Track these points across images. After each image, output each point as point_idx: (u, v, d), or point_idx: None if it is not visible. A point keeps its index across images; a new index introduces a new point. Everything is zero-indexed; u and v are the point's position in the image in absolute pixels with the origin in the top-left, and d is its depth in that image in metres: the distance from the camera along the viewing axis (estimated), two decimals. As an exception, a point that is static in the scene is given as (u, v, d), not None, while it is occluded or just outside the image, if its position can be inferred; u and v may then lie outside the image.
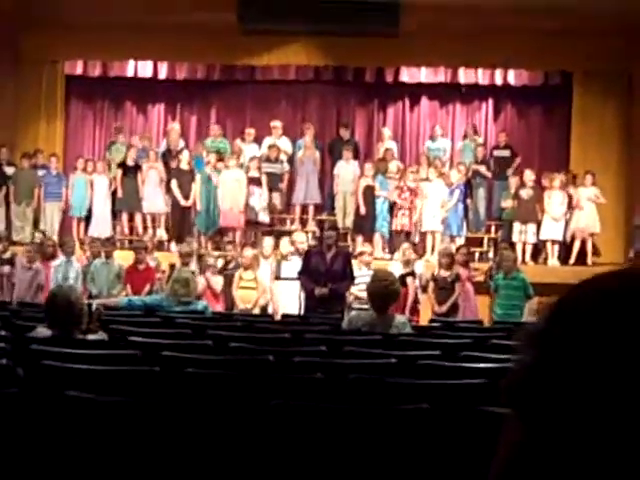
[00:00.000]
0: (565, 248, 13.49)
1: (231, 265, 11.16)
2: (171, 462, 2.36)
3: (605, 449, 0.63)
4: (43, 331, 5.06)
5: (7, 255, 11.78)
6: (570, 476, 0.65)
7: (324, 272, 8.79)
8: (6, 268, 11.57)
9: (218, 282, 10.93)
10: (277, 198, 14.32)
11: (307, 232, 13.12)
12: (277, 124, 14.97)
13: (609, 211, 13.60)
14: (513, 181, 13.82)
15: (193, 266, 11.09)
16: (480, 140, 15.10)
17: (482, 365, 4.58)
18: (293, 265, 10.65)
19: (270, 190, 14.00)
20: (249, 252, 10.95)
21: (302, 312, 9.41)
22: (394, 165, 14.08)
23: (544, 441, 0.66)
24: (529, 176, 13.59)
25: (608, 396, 0.63)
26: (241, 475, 2.38)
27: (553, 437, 0.66)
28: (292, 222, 14.58)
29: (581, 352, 0.66)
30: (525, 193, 13.45)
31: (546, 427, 0.67)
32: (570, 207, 13.44)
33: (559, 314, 0.71)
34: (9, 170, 14.21)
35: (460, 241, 13.31)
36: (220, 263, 11.33)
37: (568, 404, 0.65)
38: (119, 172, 14.06)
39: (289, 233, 12.55)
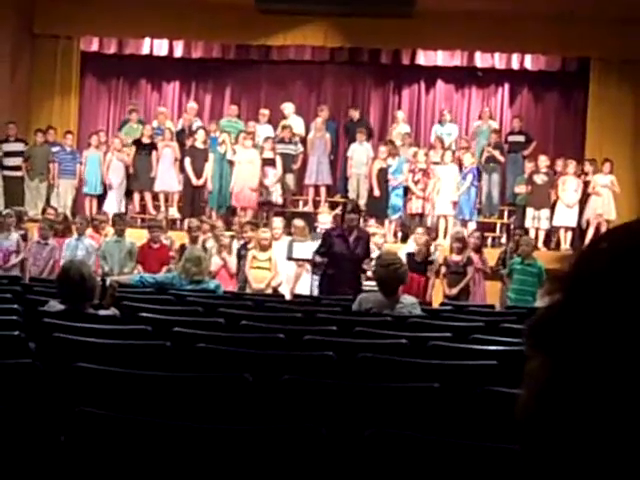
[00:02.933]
0: (580, 234, 13.38)
1: (250, 245, 11.11)
2: (179, 432, 2.36)
3: (634, 384, 0.65)
4: (55, 305, 5.08)
5: (21, 232, 11.79)
6: (598, 408, 0.66)
7: (347, 255, 8.58)
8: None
9: (233, 262, 10.94)
10: (290, 179, 14.30)
11: (330, 213, 13.03)
12: (287, 105, 14.94)
13: (623, 198, 13.51)
14: (528, 166, 13.75)
15: (210, 242, 11.09)
16: (495, 125, 15.01)
17: (493, 348, 4.57)
18: (306, 246, 10.63)
19: (284, 171, 13.98)
20: (266, 233, 10.91)
21: (315, 293, 9.33)
22: (411, 150, 13.98)
23: (572, 375, 0.68)
24: (543, 161, 13.51)
25: (636, 334, 0.65)
26: (249, 450, 2.38)
27: (581, 371, 0.68)
28: (305, 203, 14.57)
29: (609, 293, 0.67)
30: (539, 178, 13.37)
31: (575, 362, 0.68)
32: (585, 194, 13.35)
33: (588, 258, 0.72)
34: (8, 147, 14.15)
35: (472, 225, 13.26)
36: (236, 244, 11.27)
37: (597, 341, 0.67)
38: (132, 149, 14.06)
39: (310, 215, 12.51)
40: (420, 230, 11.32)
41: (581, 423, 0.67)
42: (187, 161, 13.76)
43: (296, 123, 14.82)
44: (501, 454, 2.17)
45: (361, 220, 13.59)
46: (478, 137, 14.82)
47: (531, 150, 14.31)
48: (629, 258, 0.69)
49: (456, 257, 10.68)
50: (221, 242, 10.97)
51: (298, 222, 11.40)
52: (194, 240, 10.98)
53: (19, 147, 14.17)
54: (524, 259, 10.32)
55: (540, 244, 13.34)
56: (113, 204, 13.78)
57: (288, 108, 14.94)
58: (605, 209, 13.18)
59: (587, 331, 0.68)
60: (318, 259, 8.93)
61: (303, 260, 10.73)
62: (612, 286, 0.68)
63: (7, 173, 14.10)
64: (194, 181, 13.70)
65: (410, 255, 10.41)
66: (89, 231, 11.68)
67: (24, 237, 11.67)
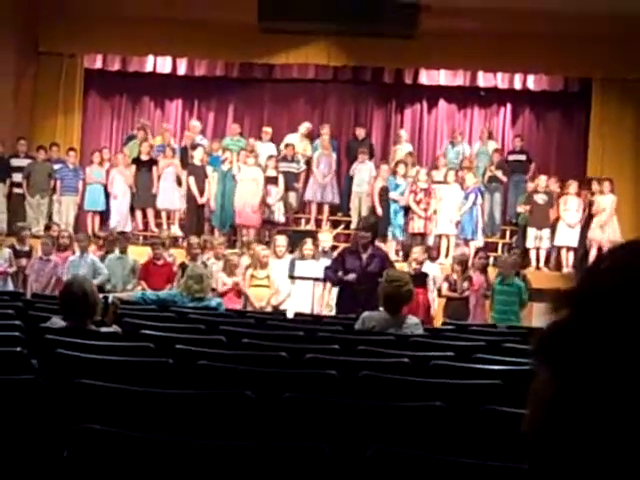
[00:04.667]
0: (584, 254, 13.28)
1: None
2: (182, 449, 2.35)
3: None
4: (57, 322, 5.08)
5: (26, 248, 11.83)
6: (605, 422, 0.67)
7: (359, 273, 8.45)
8: (24, 261, 11.60)
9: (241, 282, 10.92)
10: (293, 197, 14.32)
11: (331, 232, 13.02)
12: (306, 126, 15.01)
13: (626, 218, 13.52)
14: (529, 186, 13.77)
15: (212, 260, 11.07)
16: (495, 145, 15.02)
17: (495, 367, 4.56)
18: (308, 265, 10.63)
19: (286, 189, 14.00)
20: (266, 251, 10.91)
21: (335, 313, 9.16)
22: (413, 170, 13.98)
23: (580, 390, 0.69)
24: (543, 181, 13.53)
25: None
26: (251, 467, 2.38)
27: (589, 385, 0.68)
28: (307, 222, 14.58)
29: (617, 309, 0.68)
30: (540, 198, 13.38)
31: (580, 379, 0.69)
32: (590, 214, 13.32)
33: (596, 274, 0.73)
34: (17, 162, 14.20)
35: (474, 244, 13.25)
36: (245, 261, 11.22)
37: (604, 357, 0.68)
38: (133, 167, 14.10)
39: (311, 233, 12.49)
40: (418, 249, 11.32)
41: (588, 437, 0.68)
42: (191, 180, 13.78)
43: (304, 143, 14.87)
44: (504, 473, 2.16)
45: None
46: (478, 158, 14.85)
47: (532, 172, 14.32)
48: (636, 275, 0.69)
49: (455, 276, 10.76)
50: (231, 262, 10.87)
51: (309, 241, 11.29)
52: (194, 258, 10.97)
53: (26, 163, 14.22)
54: (503, 279, 10.33)
55: (542, 264, 13.33)
56: (121, 221, 13.80)
57: (304, 127, 15.01)
58: (609, 233, 13.02)
59: (595, 347, 0.68)
60: (329, 274, 8.74)
61: (305, 279, 10.73)
62: (619, 302, 0.68)
63: (14, 190, 14.16)
64: (199, 199, 13.73)
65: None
66: (92, 248, 11.69)
67: (28, 253, 11.70)
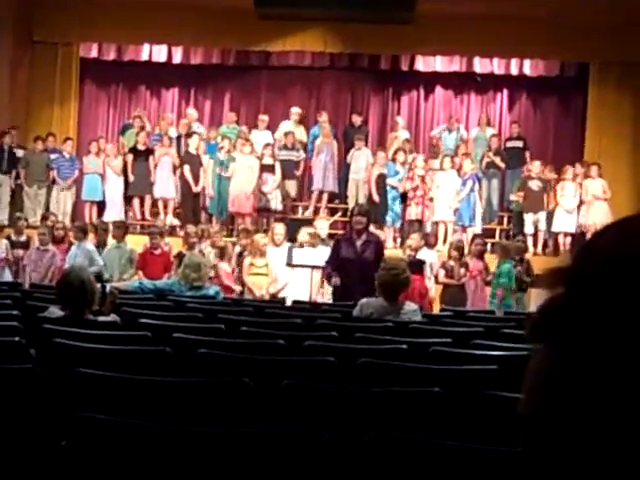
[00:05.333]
0: (580, 238, 13.29)
1: (245, 252, 11.10)
2: (180, 437, 2.36)
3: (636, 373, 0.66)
4: (55, 311, 5.07)
5: (23, 238, 11.82)
6: (601, 397, 0.68)
7: (354, 260, 8.34)
8: (21, 251, 11.59)
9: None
10: (292, 185, 14.30)
11: (328, 219, 13.01)
12: (296, 110, 14.97)
13: (623, 203, 13.52)
14: (525, 172, 13.78)
15: (208, 249, 11.08)
16: (492, 131, 15.00)
17: (493, 353, 4.56)
18: (307, 253, 10.63)
19: (284, 177, 13.99)
20: (264, 239, 10.91)
21: (331, 301, 9.15)
22: (410, 157, 13.98)
23: (576, 365, 0.69)
24: (538, 167, 13.51)
25: (637, 326, 0.67)
26: (250, 454, 2.38)
27: (585, 361, 0.69)
28: (305, 210, 14.56)
29: (611, 285, 0.69)
30: (534, 184, 13.37)
31: (576, 356, 0.69)
32: (580, 199, 13.35)
33: (591, 250, 0.74)
34: (19, 153, 14.23)
35: (472, 231, 13.25)
36: (237, 249, 11.25)
37: (600, 332, 0.68)
38: (130, 157, 14.08)
39: (309, 221, 12.49)
40: (415, 236, 11.35)
41: (585, 415, 0.68)
42: (186, 168, 13.78)
43: (299, 130, 14.85)
44: (502, 457, 2.17)
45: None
46: (476, 144, 14.83)
47: (528, 159, 14.29)
48: (631, 250, 0.70)
49: (452, 263, 10.76)
50: (226, 250, 10.88)
51: (309, 229, 11.32)
52: (191, 247, 10.97)
53: (21, 154, 14.21)
54: (503, 263, 10.32)
55: (539, 249, 13.34)
56: (113, 211, 13.79)
57: (295, 112, 14.96)
58: (601, 218, 13.02)
59: (590, 322, 0.69)
60: (334, 280, 8.69)
61: (303, 266, 10.73)
62: (613, 277, 0.69)
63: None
64: (194, 188, 13.73)
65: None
66: (90, 236, 11.67)
67: (25, 244, 11.70)
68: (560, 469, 0.70)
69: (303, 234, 11.06)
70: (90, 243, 11.21)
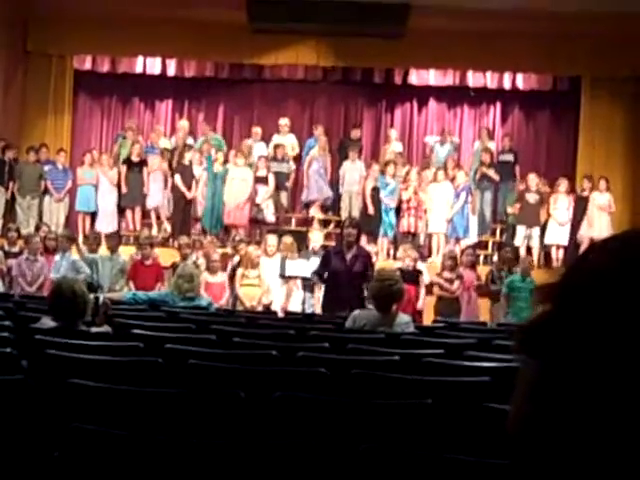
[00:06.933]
0: (574, 251, 13.30)
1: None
2: (172, 448, 2.35)
3: (623, 387, 0.68)
4: (47, 322, 5.06)
5: (15, 249, 11.78)
6: (587, 409, 0.69)
7: (344, 273, 8.35)
8: (13, 262, 11.54)
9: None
10: (284, 197, 14.32)
11: (322, 231, 13.03)
12: (285, 122, 14.99)
13: (616, 216, 13.57)
14: (521, 187, 13.80)
15: (201, 260, 11.08)
16: (490, 144, 14.99)
17: (486, 364, 4.56)
18: (299, 264, 10.63)
19: (278, 189, 14.01)
20: (257, 250, 10.92)
21: (308, 310, 9.24)
22: (404, 170, 14.00)
23: (560, 383, 0.71)
24: (534, 180, 13.55)
25: (621, 343, 0.68)
26: (243, 465, 2.38)
27: (570, 374, 0.70)
28: (298, 222, 14.57)
29: (598, 303, 0.70)
30: (531, 197, 13.41)
31: (562, 371, 0.71)
32: (582, 210, 13.36)
33: (577, 268, 0.76)
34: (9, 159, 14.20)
35: (466, 242, 13.26)
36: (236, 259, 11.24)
37: (584, 346, 0.70)
38: (123, 168, 14.08)
39: (302, 233, 12.51)
40: (410, 248, 11.35)
41: (571, 425, 0.68)
42: (177, 177, 13.80)
43: (289, 139, 14.88)
44: (494, 470, 2.17)
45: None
46: (474, 157, 14.87)
47: (518, 174, 14.30)
48: (619, 266, 0.71)
49: (447, 274, 10.73)
50: (213, 261, 10.90)
51: (287, 239, 11.42)
52: (185, 257, 10.99)
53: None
54: (524, 277, 10.37)
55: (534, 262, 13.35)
56: (106, 222, 13.77)
57: (284, 124, 14.98)
58: (602, 231, 13.02)
59: (577, 335, 0.70)
60: (315, 279, 8.86)
61: (295, 277, 10.73)
62: (601, 292, 0.70)
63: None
64: (187, 194, 13.71)
65: (401, 270, 10.44)
66: (83, 248, 11.67)
67: (19, 255, 11.65)
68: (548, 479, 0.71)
69: (286, 242, 11.15)
70: (74, 254, 11.17)
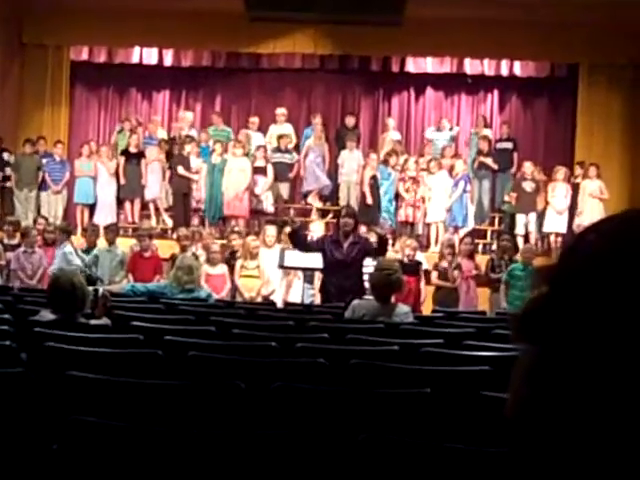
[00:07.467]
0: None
1: (238, 254, 11.09)
2: (172, 440, 2.36)
3: (619, 369, 0.68)
4: (47, 315, 5.06)
5: (15, 241, 11.77)
6: (584, 394, 0.69)
7: (341, 262, 8.24)
8: (11, 255, 11.53)
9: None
10: (285, 188, 14.30)
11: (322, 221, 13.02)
12: (282, 111, 14.97)
13: (613, 204, 13.55)
14: (517, 174, 13.79)
15: (200, 251, 11.08)
16: (486, 132, 14.97)
17: (485, 353, 4.57)
18: (298, 254, 10.61)
19: (276, 180, 13.99)
20: (256, 241, 10.91)
21: (320, 302, 9.13)
22: (402, 158, 13.99)
23: (558, 368, 0.71)
24: (530, 168, 13.51)
25: (618, 326, 0.68)
26: (243, 456, 2.38)
27: (566, 358, 0.70)
28: (297, 212, 14.55)
29: (593, 285, 0.71)
30: (528, 185, 13.38)
31: (559, 350, 0.71)
32: (575, 198, 13.37)
33: (572, 251, 0.76)
34: (5, 155, 14.18)
35: (464, 231, 13.25)
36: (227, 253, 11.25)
37: (580, 330, 0.70)
38: (122, 159, 14.05)
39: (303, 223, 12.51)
40: (410, 239, 11.34)
41: (569, 411, 0.68)
42: (180, 168, 13.76)
43: (287, 129, 14.86)
44: (494, 458, 2.17)
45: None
46: (472, 144, 14.86)
47: (516, 161, 14.29)
48: (612, 249, 0.71)
49: (446, 263, 10.73)
50: (213, 253, 10.88)
51: (287, 229, 11.39)
52: (184, 249, 10.97)
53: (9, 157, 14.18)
54: (526, 265, 10.35)
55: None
56: (104, 214, 13.75)
57: (281, 113, 14.96)
58: (593, 217, 13.08)
59: (573, 320, 0.70)
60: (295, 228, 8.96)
61: (295, 268, 10.72)
62: (596, 275, 0.71)
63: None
64: (195, 177, 13.69)
65: (401, 263, 10.43)
66: (81, 241, 11.67)
67: (16, 247, 11.64)
68: (546, 467, 0.71)
69: (270, 233, 11.15)
70: (69, 245, 11.17)
